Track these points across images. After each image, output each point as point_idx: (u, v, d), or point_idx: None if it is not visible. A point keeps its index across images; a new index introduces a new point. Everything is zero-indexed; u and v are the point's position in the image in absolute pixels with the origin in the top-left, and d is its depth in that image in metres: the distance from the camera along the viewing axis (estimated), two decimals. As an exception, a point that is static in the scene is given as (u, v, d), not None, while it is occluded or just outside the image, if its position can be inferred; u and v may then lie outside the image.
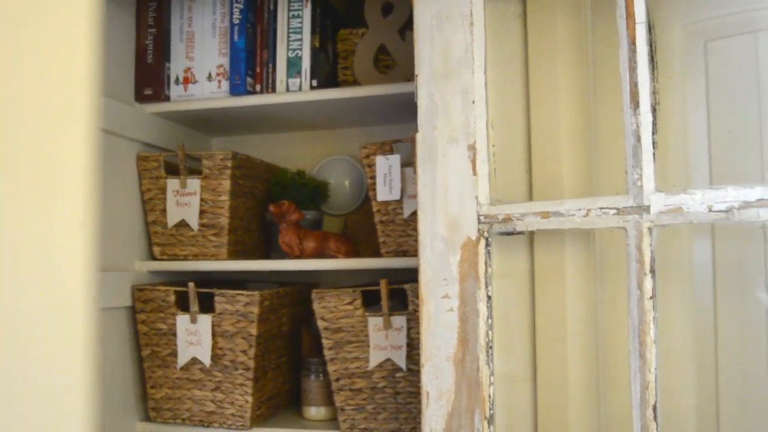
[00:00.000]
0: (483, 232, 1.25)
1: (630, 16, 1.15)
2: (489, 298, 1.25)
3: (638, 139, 1.14)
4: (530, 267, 1.37)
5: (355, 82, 1.89)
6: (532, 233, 1.35)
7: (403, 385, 1.71)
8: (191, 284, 1.79)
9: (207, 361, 1.78)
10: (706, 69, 1.35)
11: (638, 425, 1.12)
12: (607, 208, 1.16)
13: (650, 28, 1.16)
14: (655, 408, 1.11)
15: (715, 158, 1.33)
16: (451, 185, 1.28)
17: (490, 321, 1.25)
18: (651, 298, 1.12)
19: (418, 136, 1.31)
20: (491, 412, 1.24)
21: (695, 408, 1.31)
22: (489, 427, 1.24)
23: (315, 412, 1.86)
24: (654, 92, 1.15)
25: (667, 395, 1.29)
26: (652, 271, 1.13)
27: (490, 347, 1.25)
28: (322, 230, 2.01)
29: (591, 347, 1.33)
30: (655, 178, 1.13)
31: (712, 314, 1.31)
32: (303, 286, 2.03)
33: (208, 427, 1.83)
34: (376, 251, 1.81)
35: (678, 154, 1.34)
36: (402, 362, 1.69)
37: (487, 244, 1.25)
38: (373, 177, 1.76)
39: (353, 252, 1.87)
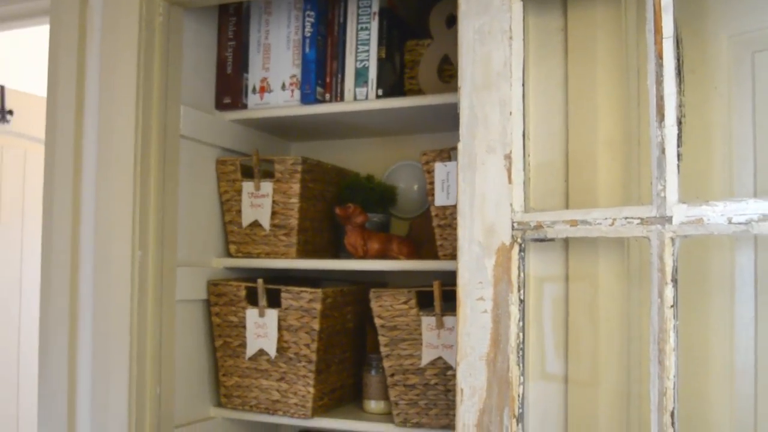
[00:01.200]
0: (516, 238, 1.31)
1: (658, 31, 1.19)
2: (521, 301, 1.31)
3: (663, 151, 1.18)
4: (565, 272, 1.41)
5: (419, 91, 1.97)
6: (567, 239, 1.40)
7: (453, 383, 1.77)
8: (260, 280, 1.91)
9: (273, 352, 1.90)
10: (753, 80, 1.37)
11: (655, 430, 1.16)
12: (632, 217, 1.20)
13: (678, 42, 1.19)
14: (672, 414, 1.15)
15: (761, 170, 1.35)
16: (488, 192, 1.34)
17: (521, 323, 1.31)
18: (671, 306, 1.16)
19: (460, 146, 1.39)
20: (520, 410, 1.30)
21: (733, 418, 1.33)
22: (517, 425, 1.29)
23: (374, 405, 1.95)
24: (680, 105, 1.18)
25: (707, 405, 1.32)
26: (674, 281, 1.16)
27: (521, 348, 1.30)
28: (387, 233, 2.09)
29: (623, 351, 1.36)
30: (679, 189, 1.17)
31: (752, 324, 1.33)
32: (369, 285, 2.12)
33: (273, 414, 1.95)
34: (436, 254, 1.88)
35: (723, 166, 1.36)
36: (453, 361, 1.75)
37: (521, 250, 1.31)
38: (432, 182, 1.83)
39: (415, 254, 1.95)
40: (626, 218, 1.21)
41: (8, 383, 2.96)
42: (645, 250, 1.34)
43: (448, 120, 2.03)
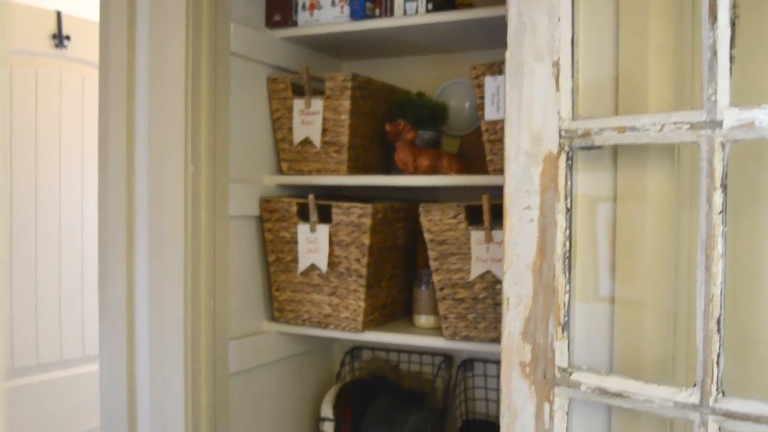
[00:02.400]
0: (564, 146, 1.30)
1: (713, -72, 1.15)
2: (568, 210, 1.30)
3: (714, 53, 1.14)
4: (612, 184, 1.40)
5: (470, 5, 1.94)
6: (615, 147, 1.38)
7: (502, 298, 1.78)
8: (311, 196, 1.93)
9: (324, 267, 1.93)
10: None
11: (701, 336, 1.15)
12: (681, 122, 1.18)
13: (735, -58, 1.15)
14: (718, 321, 1.14)
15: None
16: (535, 100, 1.33)
17: (568, 232, 1.30)
18: (720, 212, 1.14)
19: (507, 54, 1.36)
20: (566, 319, 1.30)
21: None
22: (563, 333, 1.30)
23: (424, 320, 1.98)
24: (734, 6, 1.14)
25: (754, 316, 1.30)
26: (723, 186, 1.14)
27: (567, 257, 1.30)
28: (437, 149, 2.09)
29: (671, 268, 1.35)
30: (730, 93, 1.13)
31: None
32: (419, 202, 2.13)
33: (324, 328, 1.99)
34: (486, 170, 1.87)
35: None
36: (501, 274, 1.76)
37: (568, 158, 1.30)
38: (483, 97, 1.82)
39: (465, 170, 1.95)
40: (675, 123, 1.18)
41: (74, 295, 3.07)
42: (696, 161, 1.32)
43: (499, 35, 1.99)
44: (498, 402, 2.22)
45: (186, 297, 1.81)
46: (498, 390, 2.22)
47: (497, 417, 2.21)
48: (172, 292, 1.80)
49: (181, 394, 1.81)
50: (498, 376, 2.20)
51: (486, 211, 1.75)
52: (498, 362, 2.19)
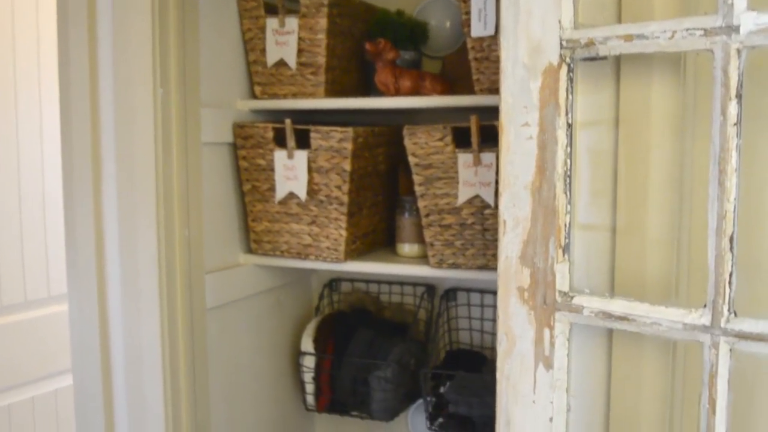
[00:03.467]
0: (565, 57, 1.21)
1: None
2: (569, 126, 1.23)
3: (731, -48, 1.06)
4: (615, 98, 1.32)
5: None
6: (618, 61, 1.30)
7: (491, 222, 1.72)
8: (288, 120, 1.83)
9: (303, 195, 1.84)
10: None
11: (713, 254, 1.09)
12: (694, 29, 1.10)
13: None
14: (731, 238, 1.08)
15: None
16: (534, 8, 1.23)
17: (569, 149, 1.23)
18: (735, 124, 1.07)
19: (503, -41, 1.27)
20: (566, 241, 1.23)
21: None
22: (564, 255, 1.24)
23: (408, 248, 1.91)
24: None
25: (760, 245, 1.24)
26: (738, 96, 1.07)
27: (568, 176, 1.23)
28: (419, 70, 2.00)
29: (675, 186, 1.29)
30: (748, -5, 1.06)
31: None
32: (401, 126, 2.04)
33: (305, 259, 1.92)
34: (471, 90, 1.79)
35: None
36: (490, 199, 1.69)
37: (569, 71, 1.22)
38: (468, 12, 1.72)
39: (449, 91, 1.87)
40: (688, 30, 1.10)
41: (36, 233, 2.94)
42: (703, 75, 1.24)
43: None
44: (482, 331, 2.18)
45: (159, 227, 1.72)
46: (482, 320, 2.18)
47: (481, 347, 2.19)
48: (144, 223, 1.71)
49: (157, 331, 1.74)
50: (482, 305, 2.16)
51: (474, 132, 1.67)
52: (482, 291, 2.15)
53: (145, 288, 1.74)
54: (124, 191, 1.73)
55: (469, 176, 1.70)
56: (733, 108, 1.07)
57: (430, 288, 2.20)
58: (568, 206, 1.23)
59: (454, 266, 1.78)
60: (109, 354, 1.81)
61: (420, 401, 2.12)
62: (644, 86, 1.29)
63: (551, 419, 1.26)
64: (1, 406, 2.83)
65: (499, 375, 1.33)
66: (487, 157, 1.68)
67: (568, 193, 1.23)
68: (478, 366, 2.07)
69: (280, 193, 1.88)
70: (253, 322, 2.07)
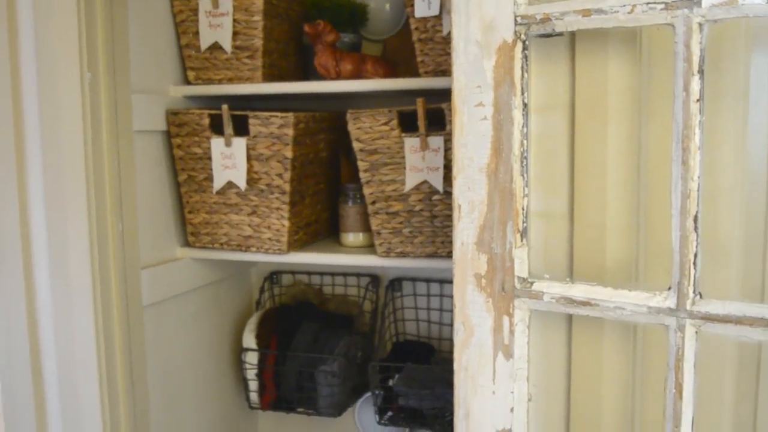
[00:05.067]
0: (520, 34, 1.16)
1: None
2: (525, 105, 1.18)
3: None
4: (570, 79, 1.28)
5: None
6: (573, 39, 1.25)
7: (440, 208, 1.67)
8: (225, 106, 1.75)
9: (242, 184, 1.76)
10: None
11: (677, 235, 1.06)
12: (654, 2, 1.06)
13: None
14: (695, 218, 1.05)
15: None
16: (486, -16, 1.18)
17: (525, 130, 1.18)
18: (698, 100, 1.04)
19: (453, -68, 1.21)
20: (524, 224, 1.19)
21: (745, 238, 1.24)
22: (522, 240, 1.19)
23: (353, 238, 1.85)
24: None
25: (713, 227, 1.22)
26: (701, 72, 1.04)
27: (525, 157, 1.19)
28: (360, 53, 1.93)
29: (633, 168, 1.25)
30: (710, -33, 1.02)
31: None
32: (342, 112, 1.97)
33: (245, 251, 1.84)
34: (415, 73, 1.73)
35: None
36: (439, 184, 1.64)
37: (524, 48, 1.17)
38: (412, -8, 1.66)
39: (392, 74, 1.80)
40: (647, 4, 1.06)
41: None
42: (660, 52, 1.21)
43: None
44: (429, 322, 2.13)
45: (90, 221, 1.61)
46: (429, 309, 2.13)
47: (428, 337, 2.14)
48: (74, 217, 1.60)
49: (91, 331, 1.63)
50: (428, 295, 2.11)
51: (421, 115, 1.62)
52: (428, 280, 2.10)
53: (77, 286, 1.63)
54: (52, 184, 1.62)
55: (416, 161, 1.64)
56: (695, 84, 1.04)
57: (374, 278, 2.14)
58: (526, 189, 1.19)
59: (402, 255, 1.72)
60: (39, 356, 1.70)
61: (367, 395, 2.06)
62: (600, 66, 1.25)
63: (512, 410, 1.22)
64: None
65: (457, 366, 1.28)
66: (435, 141, 1.63)
67: (525, 175, 1.19)
68: (426, 357, 2.02)
69: (218, 182, 1.79)
70: (192, 319, 1.98)
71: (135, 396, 1.73)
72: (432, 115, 1.64)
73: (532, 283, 1.19)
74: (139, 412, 1.75)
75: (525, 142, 1.18)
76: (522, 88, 1.17)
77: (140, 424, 1.76)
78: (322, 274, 2.20)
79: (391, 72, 1.80)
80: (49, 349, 1.69)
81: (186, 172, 1.84)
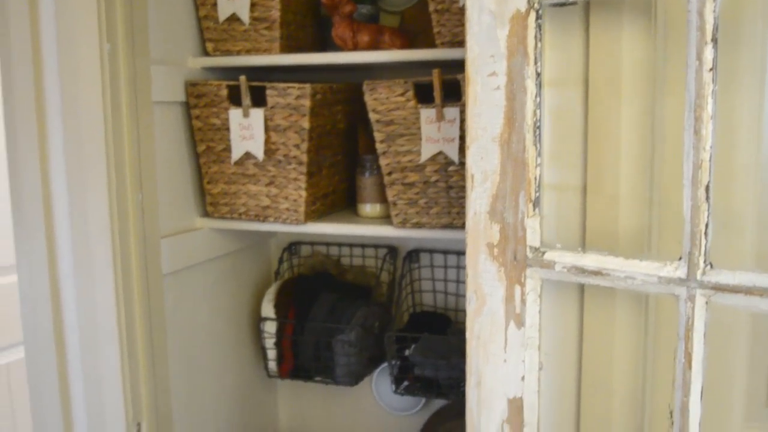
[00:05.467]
0: (533, 3, 1.16)
1: None
2: (538, 75, 1.18)
3: None
4: (584, 51, 1.27)
5: None
6: (587, 10, 1.25)
7: (455, 179, 1.67)
8: (242, 77, 1.76)
9: (260, 155, 1.78)
10: None
11: (688, 205, 1.06)
12: (669, -31, 1.06)
13: None
14: (707, 188, 1.05)
15: None
16: (500, -48, 1.18)
17: (538, 99, 1.18)
18: (711, 69, 1.03)
19: None
20: (537, 194, 1.19)
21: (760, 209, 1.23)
22: (534, 210, 1.20)
23: (370, 209, 1.86)
24: None
25: (728, 198, 1.21)
26: (714, 41, 1.03)
27: (538, 127, 1.19)
28: (377, 24, 1.93)
29: (647, 144, 1.25)
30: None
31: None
32: (359, 84, 1.98)
33: (263, 221, 1.86)
34: (432, 44, 1.73)
35: None
36: (455, 155, 1.64)
37: (538, 17, 1.17)
38: (428, -38, 1.66)
39: (409, 45, 1.80)
40: (662, -29, 1.06)
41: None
42: (676, 20, 1.20)
43: None
44: (445, 293, 2.15)
45: (110, 191, 1.63)
46: (446, 281, 2.14)
47: (445, 308, 2.15)
48: (94, 187, 1.63)
49: (111, 299, 1.66)
50: (445, 266, 2.12)
51: (437, 86, 1.62)
52: (445, 252, 2.11)
53: (98, 255, 1.66)
54: (72, 154, 1.64)
55: (432, 132, 1.65)
56: (708, 53, 1.03)
57: (392, 250, 2.15)
58: (538, 158, 1.19)
59: (418, 225, 1.73)
60: (62, 325, 1.74)
61: (384, 365, 2.08)
62: (615, 37, 1.25)
63: (523, 378, 1.23)
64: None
65: (469, 334, 1.29)
66: (451, 112, 1.63)
67: (538, 144, 1.19)
68: (442, 328, 2.03)
69: (236, 153, 1.81)
70: (211, 288, 2.00)
71: (155, 362, 1.76)
72: (448, 86, 1.64)
73: (543, 253, 1.19)
74: (159, 377, 1.78)
75: (538, 111, 1.18)
76: (535, 58, 1.17)
77: (160, 389, 1.79)
78: (340, 245, 2.22)
79: (408, 43, 1.80)
80: (71, 319, 1.72)
81: (205, 143, 1.86)
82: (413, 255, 2.12)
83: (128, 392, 1.68)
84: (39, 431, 1.79)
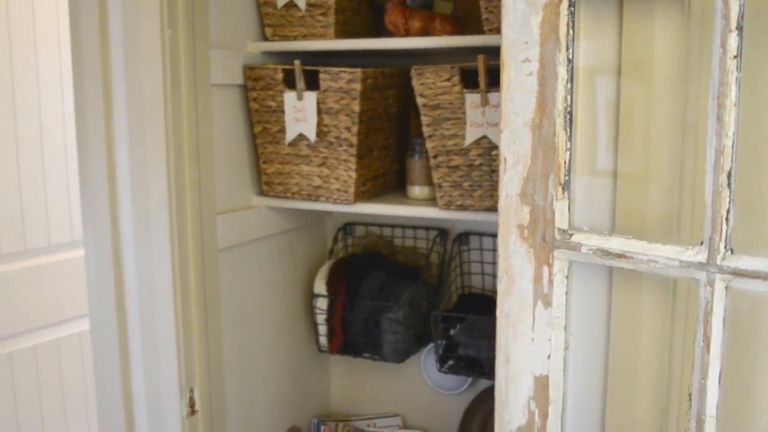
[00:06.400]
0: (566, -9, 1.19)
1: None
2: (569, 61, 1.21)
3: None
4: (618, 38, 1.30)
5: None
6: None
7: (498, 163, 1.70)
8: (297, 62, 1.83)
9: (312, 136, 1.85)
10: None
11: (710, 191, 1.08)
12: (696, -42, 1.07)
13: None
14: (729, 174, 1.07)
15: None
16: (535, -59, 1.21)
17: (569, 85, 1.21)
18: (735, 57, 1.05)
19: None
20: (566, 178, 1.23)
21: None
22: (563, 193, 1.23)
23: (419, 191, 1.91)
24: None
25: (751, 179, 1.22)
26: (739, 28, 1.05)
27: (569, 113, 1.22)
28: (429, 11, 1.97)
29: (679, 131, 1.27)
30: None
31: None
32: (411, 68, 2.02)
33: (315, 200, 1.93)
34: (482, 31, 1.76)
35: None
36: (498, 139, 1.68)
37: (570, 5, 1.20)
38: (478, -50, 1.69)
39: (459, 32, 1.84)
40: (690, -40, 1.08)
41: (58, 177, 2.99)
42: (709, 15, 1.21)
43: None
44: (494, 276, 2.18)
45: (169, 170, 1.72)
46: (494, 264, 2.18)
47: (493, 291, 2.18)
48: (154, 166, 1.72)
49: (168, 272, 1.76)
50: (494, 250, 2.15)
51: (482, 72, 1.65)
52: (494, 235, 2.14)
53: (156, 230, 1.76)
54: (135, 135, 1.74)
55: (476, 117, 1.69)
56: (733, 40, 1.05)
57: (442, 232, 2.20)
58: (568, 143, 1.22)
59: (462, 208, 1.77)
60: (124, 296, 1.84)
61: (432, 345, 2.13)
62: (647, 26, 1.26)
63: (549, 357, 1.27)
64: (28, 347, 2.90)
65: (499, 313, 1.34)
66: (495, 97, 1.66)
67: (568, 129, 1.22)
68: (489, 310, 2.06)
69: (290, 134, 1.88)
70: (265, 264, 2.09)
71: (209, 332, 1.85)
72: (493, 72, 1.67)
73: (571, 235, 1.22)
74: (213, 347, 1.87)
75: (569, 97, 1.21)
76: (567, 45, 1.20)
77: (213, 358, 1.88)
78: (393, 226, 2.28)
79: (459, 29, 1.84)
80: (132, 290, 1.82)
81: (261, 125, 1.93)
82: (463, 237, 2.16)
83: (182, 359, 1.78)
84: (100, 395, 1.90)
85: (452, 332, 1.99)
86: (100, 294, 1.86)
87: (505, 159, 1.28)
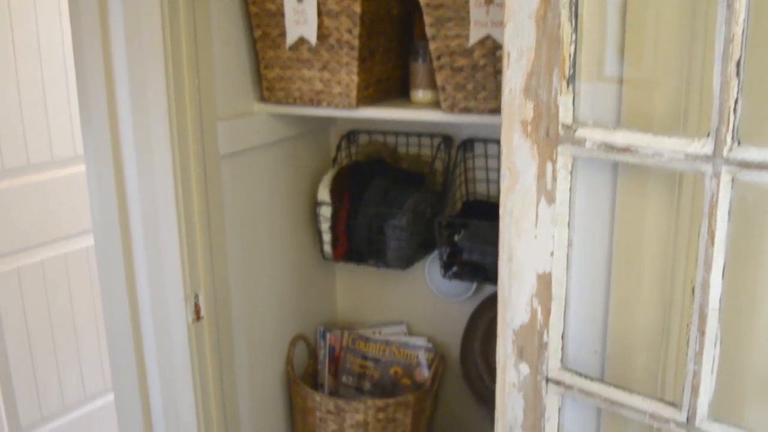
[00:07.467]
0: None
1: None
2: (575, -50, 1.17)
3: None
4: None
5: None
6: None
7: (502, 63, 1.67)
8: (296, -39, 1.78)
9: (313, 39, 1.81)
10: None
11: (718, 80, 1.05)
12: None
13: None
14: (738, 64, 1.04)
15: None
16: None
17: (575, -25, 1.18)
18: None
19: None
20: (571, 72, 1.20)
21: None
22: (567, 87, 1.20)
23: (422, 94, 1.88)
24: None
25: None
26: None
27: (574, 3, 1.18)
28: None
29: (688, 22, 1.23)
30: None
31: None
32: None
33: (317, 106, 1.90)
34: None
35: None
36: (502, 39, 1.64)
37: None
38: None
39: (463, -71, 1.78)
40: None
41: (58, 91, 2.96)
42: None
43: None
44: (498, 182, 2.16)
45: (168, 76, 1.69)
46: (499, 171, 2.15)
47: (498, 198, 2.17)
48: (152, 71, 1.69)
49: (170, 178, 1.74)
50: (498, 156, 2.13)
51: (486, -32, 1.61)
52: (498, 141, 2.12)
53: (156, 137, 1.74)
54: (132, 37, 1.70)
55: (480, 15, 1.64)
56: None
57: (447, 139, 2.18)
58: (573, 35, 1.19)
59: (466, 110, 1.74)
60: (126, 205, 1.83)
61: (437, 252, 2.14)
62: None
63: (552, 254, 1.27)
64: (35, 261, 2.92)
65: (502, 211, 1.33)
66: (500, -6, 1.62)
67: (573, 21, 1.19)
68: (494, 216, 2.06)
69: (291, 37, 1.84)
70: (268, 172, 2.07)
71: (212, 238, 1.85)
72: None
73: (575, 130, 1.20)
74: (216, 253, 1.88)
75: (574, -13, 1.18)
76: (573, -68, 1.16)
77: (217, 264, 1.89)
78: (396, 134, 2.25)
79: (463, -74, 1.78)
80: (134, 202, 1.81)
81: (261, 29, 1.89)
82: (468, 144, 2.14)
83: (186, 265, 1.78)
84: (107, 303, 1.92)
85: (456, 238, 1.98)
86: (103, 202, 1.85)
87: (509, 53, 1.25)
